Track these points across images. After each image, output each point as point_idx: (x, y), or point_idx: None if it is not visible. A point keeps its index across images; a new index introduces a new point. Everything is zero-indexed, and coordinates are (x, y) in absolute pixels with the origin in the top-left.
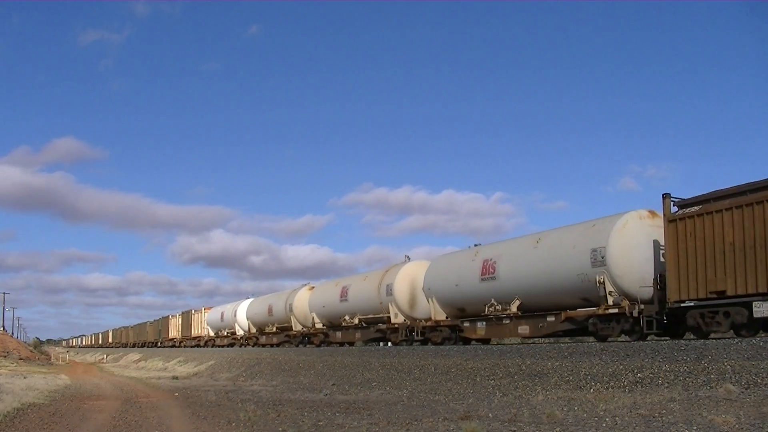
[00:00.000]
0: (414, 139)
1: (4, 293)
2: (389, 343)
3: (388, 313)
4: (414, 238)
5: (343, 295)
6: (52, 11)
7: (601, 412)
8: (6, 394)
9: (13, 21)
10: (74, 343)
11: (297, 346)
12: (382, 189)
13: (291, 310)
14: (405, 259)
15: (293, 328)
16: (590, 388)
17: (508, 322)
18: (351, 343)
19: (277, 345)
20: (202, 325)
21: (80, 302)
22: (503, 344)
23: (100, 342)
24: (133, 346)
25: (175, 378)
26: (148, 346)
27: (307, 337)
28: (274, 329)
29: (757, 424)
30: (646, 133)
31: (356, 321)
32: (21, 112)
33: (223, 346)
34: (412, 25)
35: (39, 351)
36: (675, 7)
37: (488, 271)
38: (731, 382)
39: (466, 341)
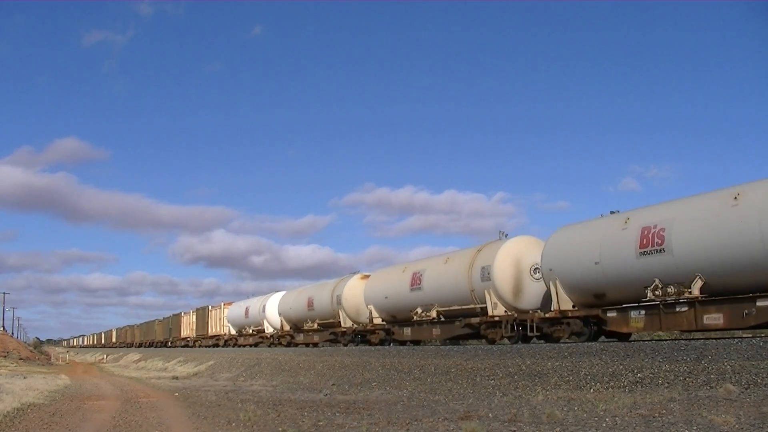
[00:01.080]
0: (416, 140)
1: (4, 293)
2: (476, 342)
3: (481, 303)
4: (415, 238)
5: (415, 282)
6: (56, 12)
7: (601, 412)
8: (6, 394)
9: (17, 21)
10: (75, 343)
11: (346, 345)
12: (384, 189)
13: (339, 302)
14: (501, 236)
15: (342, 324)
16: (590, 388)
17: (686, 309)
18: (417, 342)
19: (319, 345)
20: (222, 323)
21: (81, 302)
22: (503, 344)
23: (103, 342)
24: (140, 346)
25: (175, 378)
26: (156, 346)
27: (359, 335)
28: (315, 326)
29: (757, 424)
30: (647, 133)
31: (434, 314)
32: (24, 112)
33: (247, 346)
34: (414, 25)
35: (39, 351)
36: (676, 7)
37: (651, 242)
38: (731, 382)
39: (618, 337)
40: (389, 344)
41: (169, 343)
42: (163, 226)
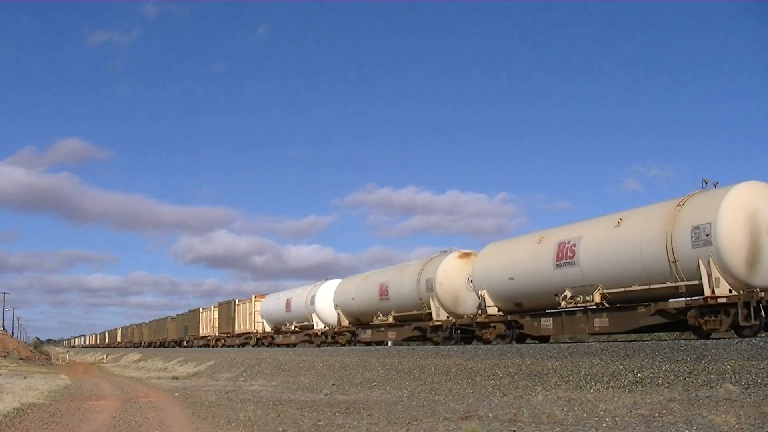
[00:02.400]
0: (418, 140)
1: (4, 293)
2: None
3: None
4: (416, 238)
5: (566, 255)
6: (61, 12)
7: (601, 412)
8: (6, 394)
9: (21, 22)
10: (77, 343)
11: (438, 344)
12: (386, 189)
13: (431, 288)
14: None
15: (435, 317)
16: (590, 388)
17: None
18: (542, 340)
19: (394, 343)
20: (253, 319)
21: (81, 302)
22: (503, 344)
23: (107, 341)
24: (149, 345)
25: (175, 378)
26: (169, 346)
27: (460, 330)
28: (390, 320)
29: (757, 424)
30: (649, 134)
31: (596, 298)
32: (27, 112)
33: (288, 346)
34: (416, 26)
35: (39, 351)
36: (678, 7)
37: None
38: (731, 382)
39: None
40: (511, 341)
41: (185, 343)
42: (164, 227)
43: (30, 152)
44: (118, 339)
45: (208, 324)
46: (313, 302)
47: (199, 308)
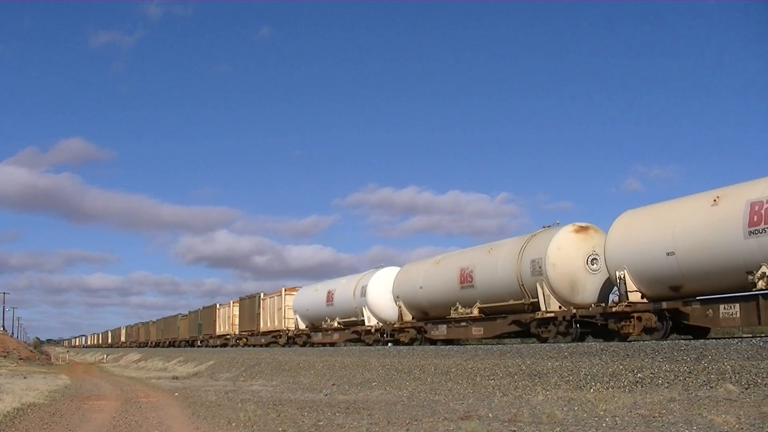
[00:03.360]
0: (420, 140)
1: (4, 293)
2: None
3: None
4: (417, 238)
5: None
6: (65, 13)
7: (601, 412)
8: (6, 394)
9: (25, 22)
10: (77, 343)
11: (556, 337)
12: (387, 189)
13: (539, 271)
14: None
15: (544, 307)
16: (590, 388)
17: (464, 324)
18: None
19: (480, 342)
20: (282, 315)
21: (82, 302)
22: (503, 344)
23: (110, 341)
24: (156, 345)
25: (175, 378)
26: (179, 346)
27: (579, 323)
28: (475, 312)
29: (757, 424)
30: (651, 134)
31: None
32: (29, 112)
33: (330, 345)
34: (417, 26)
35: (39, 351)
36: (681, 7)
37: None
38: (731, 382)
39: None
40: (665, 336)
41: (198, 343)
42: (166, 227)
43: (32, 152)
44: (122, 338)
45: (227, 321)
46: (364, 293)
47: (215, 304)
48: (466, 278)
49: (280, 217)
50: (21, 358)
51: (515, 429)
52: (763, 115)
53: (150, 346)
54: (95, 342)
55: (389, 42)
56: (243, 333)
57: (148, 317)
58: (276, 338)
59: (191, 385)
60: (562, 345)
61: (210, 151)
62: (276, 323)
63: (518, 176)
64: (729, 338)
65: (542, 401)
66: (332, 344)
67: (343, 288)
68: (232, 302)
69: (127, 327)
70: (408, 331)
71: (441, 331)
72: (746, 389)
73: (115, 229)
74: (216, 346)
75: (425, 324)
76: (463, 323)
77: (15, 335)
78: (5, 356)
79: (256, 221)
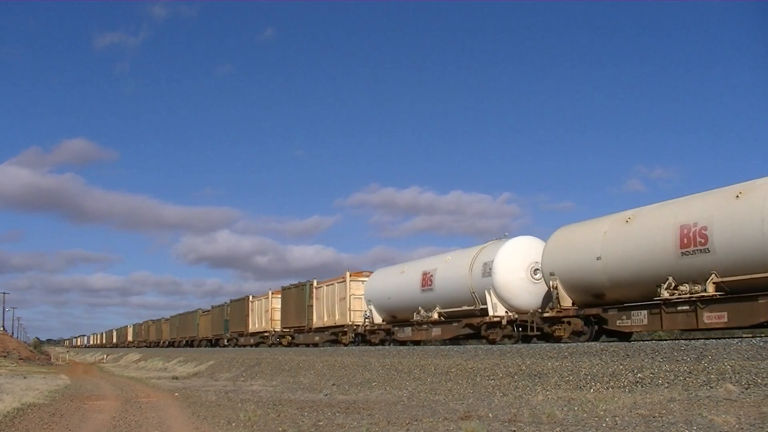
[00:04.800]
0: (422, 140)
1: (4, 293)
2: None
3: None
4: (418, 238)
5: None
6: (69, 14)
7: (601, 412)
8: (6, 394)
9: (30, 23)
10: (79, 343)
11: None
12: (389, 189)
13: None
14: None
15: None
16: (590, 388)
17: (425, 327)
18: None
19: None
20: (347, 306)
21: (83, 302)
22: (503, 344)
23: (114, 341)
24: (171, 345)
25: (175, 378)
26: (198, 346)
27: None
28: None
29: (757, 424)
30: (654, 134)
31: None
32: (32, 112)
33: (425, 344)
34: (420, 26)
35: (39, 351)
36: (683, 6)
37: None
38: (731, 382)
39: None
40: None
41: (225, 342)
42: (167, 227)
43: (35, 152)
44: (129, 338)
45: (263, 316)
46: (488, 272)
47: (247, 296)
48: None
49: (282, 218)
50: (21, 358)
51: (515, 429)
52: (764, 116)
53: (162, 346)
54: (98, 342)
55: (392, 43)
56: (287, 330)
57: (148, 317)
58: (337, 335)
59: (191, 385)
60: (562, 345)
61: (212, 151)
62: (337, 317)
63: (520, 177)
64: (729, 338)
65: (542, 401)
66: (427, 342)
67: (450, 266)
68: (271, 293)
69: (135, 325)
70: (570, 322)
71: (641, 317)
72: (746, 389)
73: (117, 229)
74: (247, 346)
75: (602, 310)
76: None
77: (15, 335)
78: (5, 356)
79: (258, 221)
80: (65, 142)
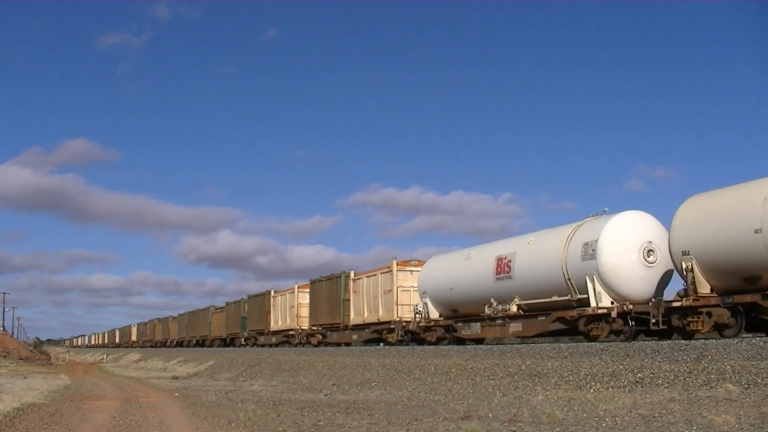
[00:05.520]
0: (423, 140)
1: (4, 293)
2: None
3: None
4: (419, 238)
5: None
6: (72, 14)
7: (601, 412)
8: (6, 394)
9: (32, 23)
10: (80, 343)
11: None
12: (391, 189)
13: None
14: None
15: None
16: (590, 388)
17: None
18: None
19: None
20: (393, 300)
21: (83, 302)
22: (503, 344)
23: (117, 340)
24: (179, 344)
25: (175, 378)
26: (211, 346)
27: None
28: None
29: (757, 424)
30: (656, 134)
31: None
32: (34, 113)
33: (496, 343)
34: (422, 27)
35: (39, 351)
36: (684, 7)
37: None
38: (731, 382)
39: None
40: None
41: (242, 341)
42: (168, 227)
43: (36, 152)
44: (133, 337)
45: (288, 313)
46: (590, 255)
47: (268, 291)
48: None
49: (283, 218)
50: (21, 358)
51: (515, 429)
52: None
53: (170, 346)
54: (100, 342)
55: (393, 43)
56: (316, 328)
57: (148, 317)
58: (380, 334)
59: (191, 385)
60: (562, 345)
61: (214, 151)
62: (380, 312)
63: (521, 177)
64: (729, 338)
65: (542, 401)
66: (501, 341)
67: (535, 249)
68: (297, 286)
69: (139, 324)
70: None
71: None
72: (746, 389)
73: (118, 229)
74: (268, 346)
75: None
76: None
77: (15, 335)
78: (5, 356)
79: (259, 222)
80: (67, 142)
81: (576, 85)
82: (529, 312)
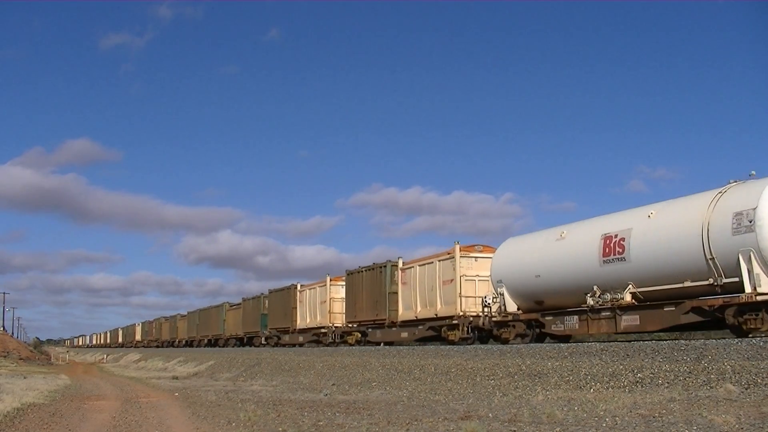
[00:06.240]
0: (424, 140)
1: (4, 293)
2: None
3: None
4: (420, 238)
5: None
6: (75, 14)
7: (601, 412)
8: (6, 394)
9: (35, 23)
10: (80, 343)
11: None
12: (392, 189)
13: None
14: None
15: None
16: (590, 388)
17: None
18: None
19: None
20: (456, 291)
21: (84, 302)
22: (507, 344)
23: (120, 340)
24: (188, 344)
25: (175, 378)
26: (227, 345)
27: None
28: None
29: (757, 424)
30: (657, 134)
31: None
32: (36, 113)
33: (611, 340)
34: (423, 27)
35: (39, 351)
36: (685, 7)
37: None
38: (731, 382)
39: None
40: None
41: (263, 341)
42: (169, 227)
43: (38, 153)
44: (137, 337)
45: (318, 309)
46: (745, 227)
47: (294, 285)
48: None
49: (284, 218)
50: (21, 358)
51: (515, 429)
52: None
53: (177, 346)
54: (102, 341)
55: (395, 43)
56: (353, 325)
57: (148, 317)
58: (439, 331)
59: (191, 385)
60: (562, 345)
61: (216, 151)
62: (439, 306)
63: (522, 177)
64: (729, 338)
65: (542, 401)
66: (610, 338)
67: (660, 224)
68: (329, 279)
69: (144, 323)
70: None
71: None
72: (746, 389)
73: (119, 229)
74: (295, 345)
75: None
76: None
77: (15, 335)
78: (5, 356)
79: (260, 222)
80: (69, 142)
81: (577, 85)
82: (647, 302)
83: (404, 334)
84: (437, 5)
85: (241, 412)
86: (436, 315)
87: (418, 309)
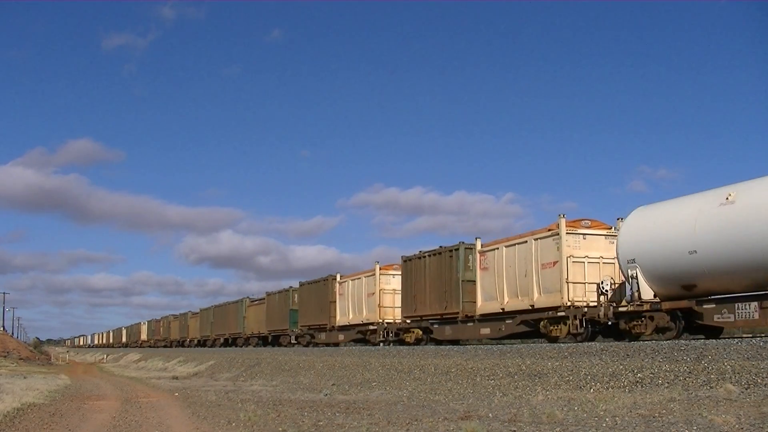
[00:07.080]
0: (426, 140)
1: (4, 293)
2: None
3: None
4: (420, 238)
5: None
6: (77, 15)
7: (601, 412)
8: (6, 394)
9: (37, 24)
10: (81, 343)
11: None
12: (393, 189)
13: None
14: None
15: None
16: (590, 388)
17: None
18: None
19: None
20: (562, 277)
21: (84, 302)
22: (503, 344)
23: (123, 340)
24: (202, 345)
25: (175, 378)
26: (247, 344)
27: None
28: None
29: (757, 424)
30: (657, 134)
31: None
32: (38, 113)
33: None
34: (425, 28)
35: (39, 351)
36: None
37: None
38: (731, 382)
39: None
40: None
41: (292, 340)
42: (171, 227)
43: (40, 153)
44: (143, 336)
45: (365, 302)
46: None
47: (332, 276)
48: None
49: (285, 218)
50: (21, 358)
51: (515, 429)
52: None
53: (188, 346)
54: (104, 341)
55: (397, 44)
56: (413, 320)
57: (149, 317)
58: (535, 326)
59: (191, 385)
60: (562, 345)
61: (218, 152)
62: (536, 296)
63: (523, 177)
64: (729, 338)
65: (542, 401)
66: None
67: None
68: (379, 267)
69: (150, 322)
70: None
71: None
72: (746, 389)
73: (120, 229)
74: (331, 345)
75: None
76: None
77: (15, 335)
78: (5, 356)
79: (261, 222)
80: (71, 142)
81: (578, 85)
82: None
83: (485, 330)
84: (438, 5)
85: (241, 412)
86: (532, 306)
87: (506, 299)
